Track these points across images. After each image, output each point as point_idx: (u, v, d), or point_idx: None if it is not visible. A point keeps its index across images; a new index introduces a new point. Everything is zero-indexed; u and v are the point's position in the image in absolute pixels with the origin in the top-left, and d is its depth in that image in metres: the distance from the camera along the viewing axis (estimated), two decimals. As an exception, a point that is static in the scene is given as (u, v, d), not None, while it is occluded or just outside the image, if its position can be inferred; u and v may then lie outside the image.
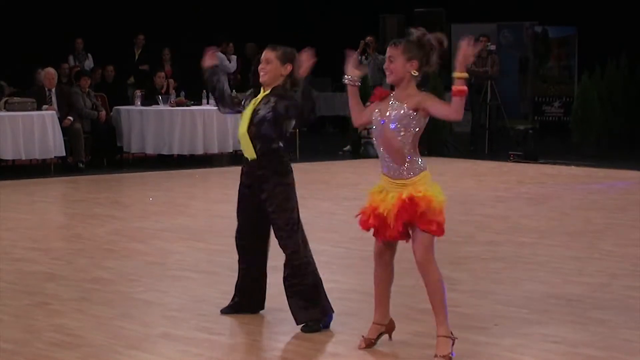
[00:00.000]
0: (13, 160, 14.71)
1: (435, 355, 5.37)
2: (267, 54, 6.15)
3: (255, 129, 6.06)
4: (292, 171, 6.14)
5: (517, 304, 6.69)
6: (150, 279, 7.54)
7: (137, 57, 18.88)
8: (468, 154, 17.31)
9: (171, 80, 17.42)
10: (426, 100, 5.38)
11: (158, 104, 15.81)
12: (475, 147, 17.75)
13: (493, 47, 17.92)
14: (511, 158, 16.14)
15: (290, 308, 6.07)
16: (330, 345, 5.80)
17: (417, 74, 5.42)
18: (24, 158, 14.60)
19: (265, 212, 6.09)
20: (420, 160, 5.44)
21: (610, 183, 13.62)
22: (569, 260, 8.23)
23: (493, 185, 13.32)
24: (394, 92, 5.50)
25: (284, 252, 6.06)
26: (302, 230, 6.11)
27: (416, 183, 5.38)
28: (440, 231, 5.40)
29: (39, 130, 14.39)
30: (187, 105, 15.86)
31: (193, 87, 17.10)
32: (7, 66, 17.37)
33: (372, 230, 5.54)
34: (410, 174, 5.40)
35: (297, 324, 6.04)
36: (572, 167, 15.29)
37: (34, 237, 9.42)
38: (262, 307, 6.42)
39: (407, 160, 5.39)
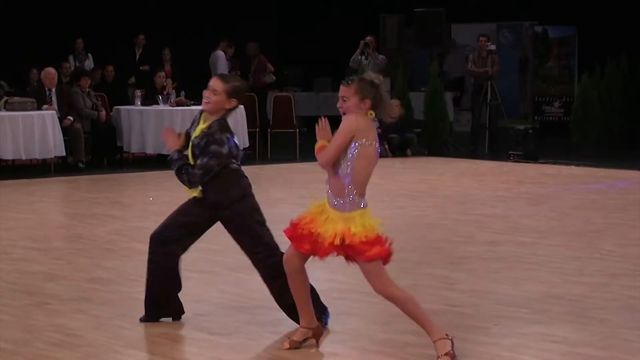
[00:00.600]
0: (13, 160, 14.71)
1: (438, 357, 5.36)
2: (216, 84, 5.96)
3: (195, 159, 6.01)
4: (245, 183, 6.03)
5: (517, 304, 6.69)
6: (150, 279, 7.52)
7: (137, 57, 18.88)
8: (468, 154, 17.31)
9: (171, 80, 17.42)
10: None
11: (158, 104, 15.81)
12: (475, 147, 17.74)
13: (493, 47, 17.91)
14: (511, 158, 16.13)
15: (289, 314, 6.07)
16: (329, 345, 5.79)
17: (373, 115, 5.37)
18: (24, 158, 14.60)
19: (205, 227, 6.09)
20: (362, 202, 5.35)
21: (610, 183, 13.62)
22: (569, 260, 8.23)
23: (493, 185, 13.32)
24: None
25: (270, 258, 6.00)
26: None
27: (352, 220, 5.31)
28: (381, 254, 5.31)
29: (39, 130, 14.38)
30: (187, 105, 15.86)
31: (193, 87, 17.10)
32: (7, 66, 17.36)
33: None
34: (346, 209, 5.34)
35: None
36: (572, 167, 15.30)
37: (34, 237, 9.42)
38: (183, 312, 6.32)
39: (347, 196, 5.32)
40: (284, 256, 5.65)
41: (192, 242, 6.22)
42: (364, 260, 5.33)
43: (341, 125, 5.38)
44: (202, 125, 6.02)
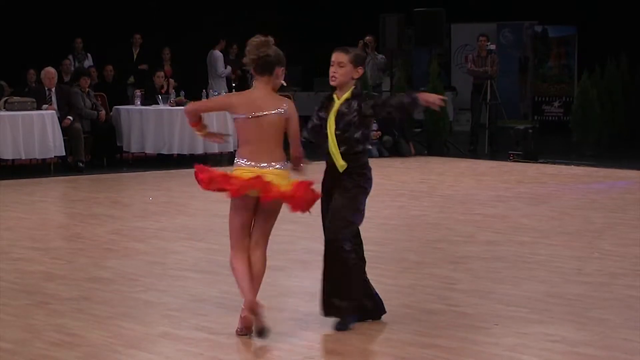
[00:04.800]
0: (13, 160, 14.71)
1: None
2: (340, 57, 6.07)
3: (341, 134, 6.03)
4: (370, 176, 6.08)
5: (517, 304, 6.69)
6: (150, 279, 7.54)
7: (135, 56, 18.87)
8: (468, 154, 17.31)
9: (171, 80, 17.42)
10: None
11: (158, 104, 15.81)
12: (475, 147, 17.74)
13: (493, 47, 17.90)
14: (511, 158, 16.13)
15: (323, 300, 6.09)
16: (330, 344, 5.80)
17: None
18: (23, 158, 14.59)
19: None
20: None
21: (610, 183, 13.63)
22: (569, 260, 8.23)
23: (493, 185, 13.31)
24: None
25: (333, 241, 5.98)
26: (359, 235, 6.09)
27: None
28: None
29: (38, 130, 14.38)
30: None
31: (193, 86, 17.11)
32: (7, 66, 17.35)
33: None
34: (283, 167, 6.09)
35: (325, 316, 6.08)
36: (572, 166, 15.30)
37: (34, 236, 9.42)
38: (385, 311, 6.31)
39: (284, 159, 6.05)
40: (234, 238, 5.96)
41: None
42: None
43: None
44: (340, 101, 6.06)
